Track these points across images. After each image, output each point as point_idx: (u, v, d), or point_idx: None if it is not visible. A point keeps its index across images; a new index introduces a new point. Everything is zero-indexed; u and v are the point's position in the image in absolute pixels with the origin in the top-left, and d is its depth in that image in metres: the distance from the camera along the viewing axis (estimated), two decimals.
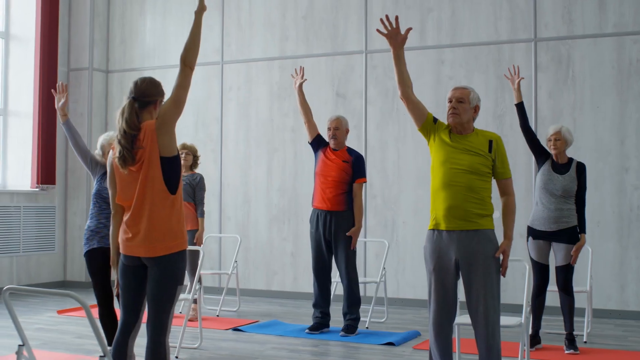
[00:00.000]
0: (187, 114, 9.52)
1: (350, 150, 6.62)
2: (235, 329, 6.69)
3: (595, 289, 7.44)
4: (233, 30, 9.38)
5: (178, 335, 5.65)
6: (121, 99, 9.91)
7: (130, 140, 3.53)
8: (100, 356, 2.92)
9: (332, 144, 6.59)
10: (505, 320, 4.70)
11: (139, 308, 3.68)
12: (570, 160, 5.89)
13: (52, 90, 5.18)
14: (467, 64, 8.16)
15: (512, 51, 7.97)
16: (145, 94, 3.63)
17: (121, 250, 3.64)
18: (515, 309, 7.50)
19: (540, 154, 5.94)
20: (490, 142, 4.21)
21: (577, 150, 7.59)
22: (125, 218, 3.63)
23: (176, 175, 3.61)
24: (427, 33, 8.36)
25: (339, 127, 6.59)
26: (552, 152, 5.85)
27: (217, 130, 9.40)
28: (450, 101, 4.26)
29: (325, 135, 6.67)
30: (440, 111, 7.64)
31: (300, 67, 6.83)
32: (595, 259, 7.46)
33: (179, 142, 7.71)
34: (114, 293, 4.51)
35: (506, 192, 4.25)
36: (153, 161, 3.53)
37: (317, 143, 6.67)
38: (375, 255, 8.43)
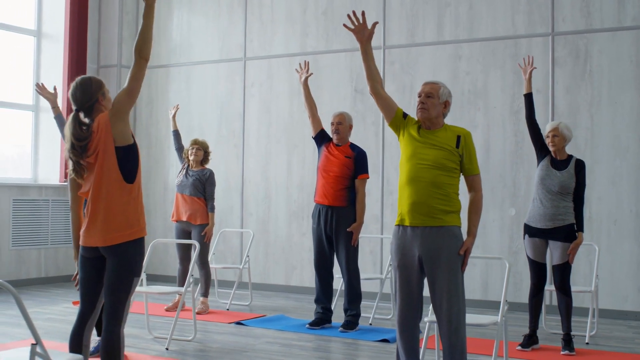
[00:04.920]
0: (211, 109, 9.65)
1: (353, 146, 6.60)
2: (238, 323, 6.75)
3: (611, 290, 7.23)
4: (255, 27, 9.44)
5: (170, 327, 5.73)
6: (149, 95, 10.10)
7: (80, 152, 3.61)
8: (32, 344, 2.99)
9: (335, 139, 6.58)
10: (480, 319, 4.63)
11: (96, 299, 3.77)
12: (570, 157, 5.75)
13: (37, 89, 5.32)
14: (484, 59, 8.02)
15: (529, 45, 7.80)
16: (84, 100, 3.68)
17: (80, 242, 3.73)
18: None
19: (541, 149, 5.81)
20: (459, 137, 4.14)
21: (594, 147, 7.40)
22: (84, 210, 3.72)
23: (133, 164, 3.65)
24: (444, 28, 8.25)
25: (342, 123, 6.58)
26: (550, 148, 5.73)
27: (240, 126, 9.48)
28: (420, 96, 4.21)
29: (329, 130, 6.66)
30: (456, 106, 7.56)
31: (305, 61, 6.83)
32: (611, 258, 7.26)
33: (202, 138, 7.85)
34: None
35: (473, 189, 4.17)
36: (108, 151, 3.60)
37: (321, 138, 6.67)
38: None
